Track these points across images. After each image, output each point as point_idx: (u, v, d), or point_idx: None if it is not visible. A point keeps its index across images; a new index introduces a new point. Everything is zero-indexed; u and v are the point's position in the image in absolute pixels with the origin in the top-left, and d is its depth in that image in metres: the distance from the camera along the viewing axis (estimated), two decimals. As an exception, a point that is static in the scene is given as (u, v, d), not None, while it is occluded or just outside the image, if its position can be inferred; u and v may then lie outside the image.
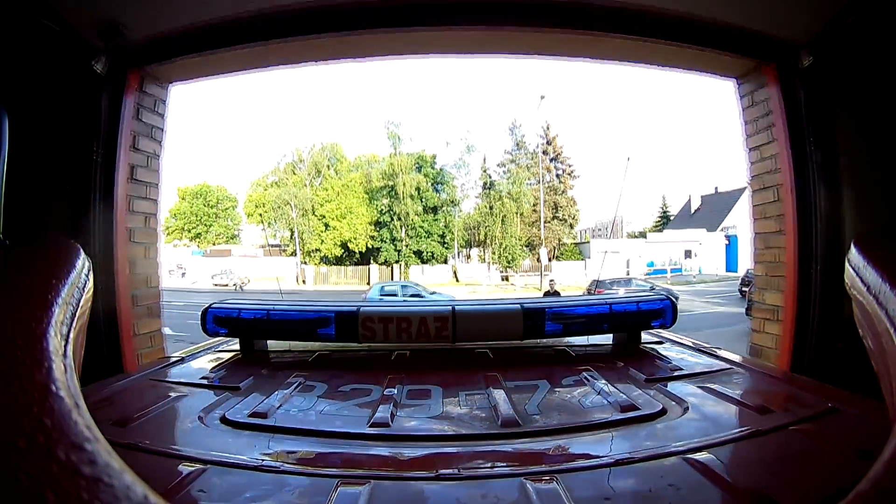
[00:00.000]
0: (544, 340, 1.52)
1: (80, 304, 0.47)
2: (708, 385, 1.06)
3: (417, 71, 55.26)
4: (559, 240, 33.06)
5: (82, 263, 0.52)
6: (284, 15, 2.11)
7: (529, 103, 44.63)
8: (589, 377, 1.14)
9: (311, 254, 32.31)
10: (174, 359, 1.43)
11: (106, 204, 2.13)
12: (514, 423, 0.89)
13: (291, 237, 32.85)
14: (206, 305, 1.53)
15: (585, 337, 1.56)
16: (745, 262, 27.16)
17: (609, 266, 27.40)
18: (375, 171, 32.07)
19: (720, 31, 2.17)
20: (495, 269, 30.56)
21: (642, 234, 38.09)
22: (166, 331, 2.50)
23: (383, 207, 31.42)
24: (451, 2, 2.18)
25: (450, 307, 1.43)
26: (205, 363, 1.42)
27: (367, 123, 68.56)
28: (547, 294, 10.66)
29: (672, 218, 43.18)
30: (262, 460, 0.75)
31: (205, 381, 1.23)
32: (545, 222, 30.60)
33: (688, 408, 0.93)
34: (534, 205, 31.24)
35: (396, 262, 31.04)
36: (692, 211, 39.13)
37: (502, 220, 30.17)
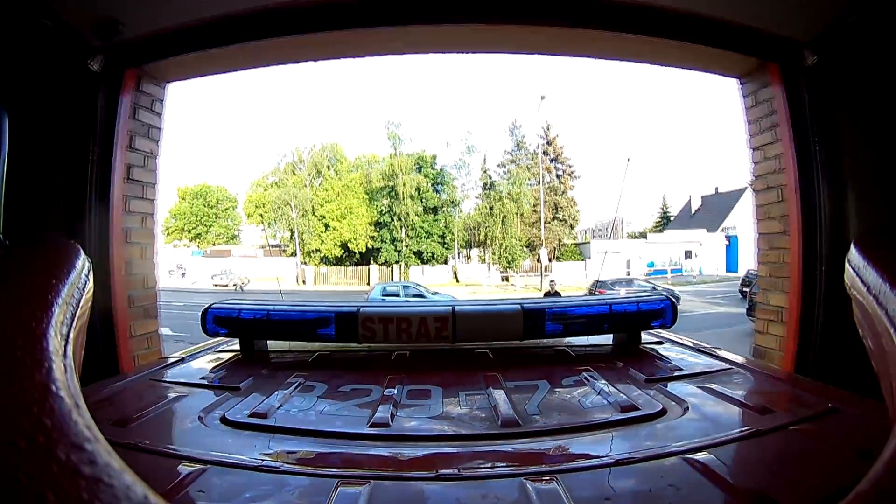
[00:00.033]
0: (544, 341, 1.52)
1: (80, 305, 0.47)
2: (708, 385, 1.06)
3: (418, 71, 55.40)
4: (559, 240, 33.06)
5: (82, 264, 0.52)
6: (282, 11, 2.10)
7: (530, 103, 44.79)
8: (589, 377, 1.14)
9: (311, 254, 32.31)
10: (174, 359, 1.43)
11: (102, 204, 2.11)
12: (514, 423, 0.89)
13: (291, 237, 32.86)
14: (206, 306, 1.53)
15: (585, 337, 1.56)
16: (746, 263, 27.16)
17: (609, 266, 27.39)
18: (375, 171, 32.07)
19: (723, 29, 2.15)
20: (495, 269, 30.56)
21: (643, 235, 38.09)
22: (166, 331, 2.50)
23: (383, 208, 31.42)
24: (451, -2, 2.15)
25: (450, 307, 1.43)
26: (205, 363, 1.42)
27: (368, 123, 68.67)
28: (547, 294, 10.66)
29: (672, 218, 43.20)
30: (262, 460, 0.75)
31: (205, 382, 1.23)
32: (545, 223, 30.60)
33: (688, 408, 0.93)
34: (534, 205, 31.25)
35: (396, 262, 31.03)
36: (692, 211, 39.14)
37: (502, 221, 30.16)
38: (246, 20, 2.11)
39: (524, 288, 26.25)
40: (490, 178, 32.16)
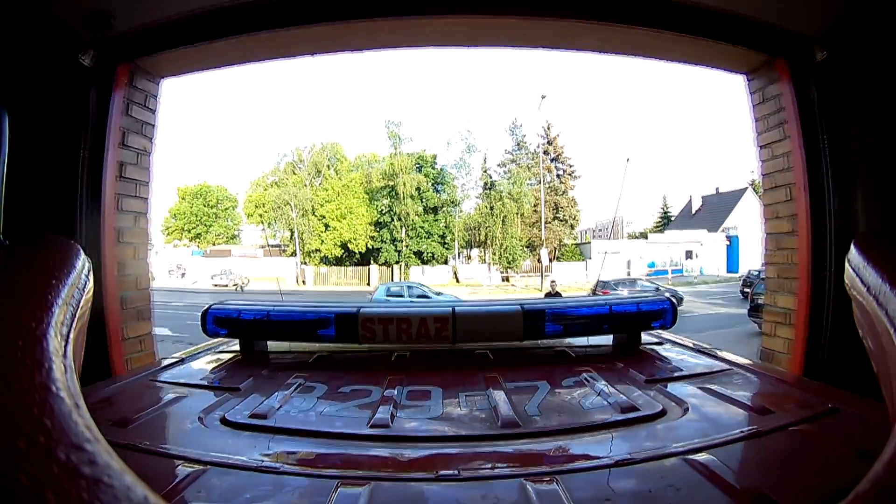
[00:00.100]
0: (544, 341, 1.52)
1: (80, 305, 0.47)
2: (708, 386, 1.06)
3: (418, 70, 55.41)
4: (560, 240, 33.07)
5: (82, 264, 0.52)
6: (277, 3, 2.05)
7: (530, 103, 44.84)
8: (589, 378, 1.14)
9: (311, 254, 32.32)
10: (174, 359, 1.43)
11: (93, 203, 2.05)
12: (515, 423, 0.89)
13: (291, 237, 32.87)
14: (207, 306, 1.53)
15: (585, 338, 1.56)
16: (747, 263, 27.23)
17: (610, 267, 27.38)
18: (376, 171, 32.07)
19: (730, 22, 2.10)
20: (496, 269, 30.57)
21: (643, 235, 38.09)
22: (165, 331, 2.47)
23: (383, 208, 31.43)
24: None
25: (450, 308, 1.43)
26: (205, 364, 1.42)
27: (368, 123, 68.75)
28: (548, 295, 10.66)
29: (673, 218, 43.20)
30: (262, 461, 0.75)
31: (205, 382, 1.23)
32: (546, 223, 30.61)
33: (688, 408, 0.94)
34: (534, 205, 31.26)
35: (396, 262, 31.04)
36: (693, 211, 39.14)
37: (503, 221, 30.17)
38: (240, 12, 2.06)
39: (524, 288, 26.24)
40: (490, 177, 32.19)
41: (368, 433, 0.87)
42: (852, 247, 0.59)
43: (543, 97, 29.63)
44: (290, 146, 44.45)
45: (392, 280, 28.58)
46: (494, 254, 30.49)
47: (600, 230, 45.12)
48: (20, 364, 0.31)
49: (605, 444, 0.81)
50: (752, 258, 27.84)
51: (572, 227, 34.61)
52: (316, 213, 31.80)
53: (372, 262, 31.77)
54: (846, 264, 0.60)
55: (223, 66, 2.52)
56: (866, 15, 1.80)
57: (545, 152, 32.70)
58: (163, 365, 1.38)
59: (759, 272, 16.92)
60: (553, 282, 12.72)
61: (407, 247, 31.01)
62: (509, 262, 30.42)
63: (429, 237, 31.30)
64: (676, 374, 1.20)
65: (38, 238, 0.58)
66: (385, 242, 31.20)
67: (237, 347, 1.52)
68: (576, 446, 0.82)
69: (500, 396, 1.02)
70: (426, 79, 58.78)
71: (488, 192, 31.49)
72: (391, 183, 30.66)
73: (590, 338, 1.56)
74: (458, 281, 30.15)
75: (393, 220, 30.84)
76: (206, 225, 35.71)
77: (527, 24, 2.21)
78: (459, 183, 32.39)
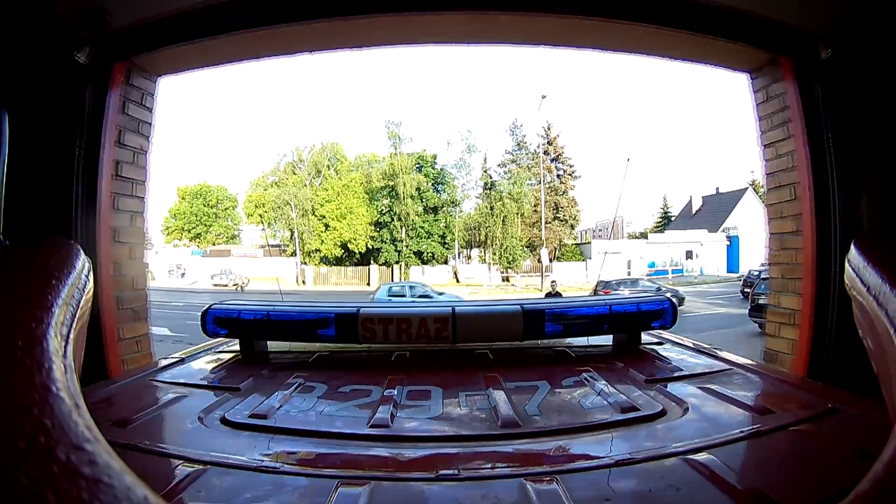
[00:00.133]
0: (544, 341, 1.52)
1: (81, 305, 0.47)
2: (708, 386, 1.06)
3: (418, 70, 55.36)
4: (560, 240, 33.06)
5: (82, 264, 0.52)
6: None
7: (531, 103, 44.81)
8: (589, 378, 1.14)
9: (311, 254, 32.32)
10: (174, 359, 1.43)
11: (89, 202, 2.02)
12: (515, 423, 0.89)
13: (291, 237, 32.87)
14: (207, 306, 1.53)
15: (585, 338, 1.56)
16: (747, 263, 27.22)
17: (610, 267, 27.38)
18: (376, 170, 32.06)
19: (733, 19, 2.08)
20: (496, 269, 30.57)
21: (643, 235, 38.07)
22: (164, 331, 2.46)
23: (383, 208, 31.42)
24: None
25: (450, 308, 1.43)
26: (205, 364, 1.42)
27: (368, 123, 68.74)
28: (549, 295, 10.66)
29: (673, 218, 43.19)
30: (262, 461, 0.75)
31: (205, 382, 1.23)
32: (546, 223, 30.61)
33: (688, 408, 0.94)
34: (535, 205, 31.26)
35: (397, 262, 31.03)
36: (693, 211, 39.14)
37: (503, 221, 30.16)
38: (238, 8, 2.04)
39: (525, 288, 26.25)
40: (490, 177, 32.19)
41: (368, 433, 0.87)
42: (852, 247, 0.59)
43: (544, 97, 29.70)
44: (290, 146, 44.50)
45: (392, 280, 28.56)
46: (494, 254, 30.49)
47: (600, 230, 45.10)
48: (20, 364, 0.31)
49: (605, 444, 0.81)
50: (753, 258, 27.85)
51: (572, 227, 34.60)
52: (316, 213, 31.79)
53: (372, 262, 31.77)
54: (846, 264, 0.60)
55: (221, 64, 2.50)
56: (871, 12, 1.78)
57: (545, 152, 32.70)
58: (163, 365, 1.38)
59: (760, 272, 16.94)
60: (553, 282, 12.73)
61: (407, 247, 31.00)
62: (509, 262, 30.42)
63: (429, 237, 31.29)
64: (676, 374, 1.20)
65: (38, 238, 0.58)
66: (385, 242, 31.19)
67: (237, 347, 1.52)
68: (576, 446, 0.82)
69: (500, 396, 1.02)
70: (426, 79, 58.77)
71: (488, 192, 31.49)
72: (391, 183, 30.65)
73: (590, 338, 1.56)
74: (458, 281, 30.15)
75: (393, 220, 30.83)
76: (206, 225, 35.71)
77: (528, 21, 2.19)
78: (459, 183, 32.42)
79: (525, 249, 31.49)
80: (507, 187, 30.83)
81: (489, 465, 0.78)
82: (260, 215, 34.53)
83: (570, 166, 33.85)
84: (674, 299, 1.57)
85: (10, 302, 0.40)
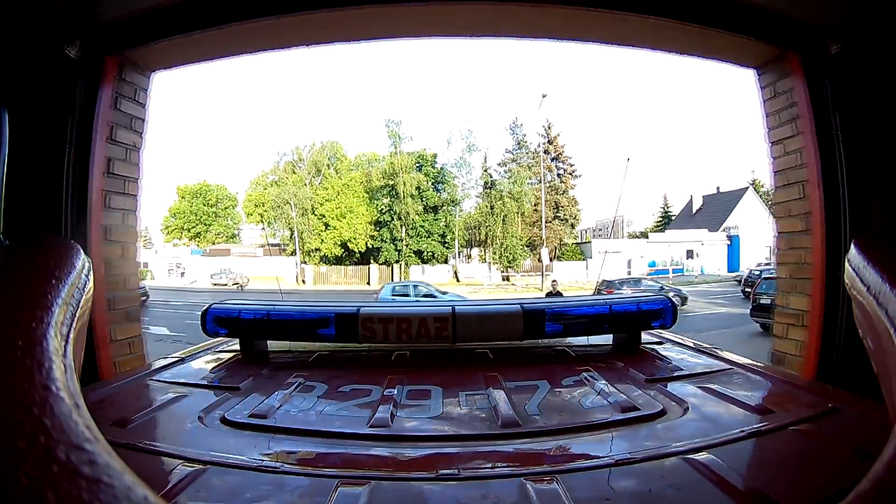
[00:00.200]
0: (544, 341, 1.52)
1: (80, 305, 0.47)
2: (708, 385, 1.06)
3: (419, 69, 55.39)
4: (560, 240, 33.07)
5: (82, 264, 0.52)
6: None
7: (531, 102, 44.77)
8: (589, 377, 1.14)
9: (311, 253, 32.33)
10: (174, 359, 1.43)
11: (79, 200, 1.96)
12: (515, 423, 0.89)
13: (291, 237, 32.88)
14: (207, 306, 1.53)
15: (585, 337, 1.56)
16: (747, 263, 27.23)
17: (610, 266, 27.37)
18: (376, 170, 32.07)
19: (741, 12, 2.03)
20: (496, 269, 30.57)
21: (644, 234, 38.09)
22: (163, 331, 2.44)
23: (383, 207, 31.42)
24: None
25: (450, 307, 1.43)
26: (204, 363, 1.42)
27: (368, 121, 68.76)
28: (549, 295, 10.66)
29: (674, 218, 43.17)
30: (262, 461, 0.76)
31: (205, 382, 1.23)
32: (546, 222, 30.60)
33: (688, 408, 0.94)
34: (535, 204, 31.26)
35: (397, 261, 31.04)
36: (694, 211, 39.13)
37: (503, 220, 30.17)
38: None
39: (525, 288, 26.24)
40: (491, 176, 32.19)
41: (368, 433, 0.87)
42: (852, 247, 0.59)
43: (544, 96, 29.69)
44: (289, 145, 44.58)
45: (392, 279, 28.59)
46: (495, 253, 30.49)
47: (601, 229, 45.09)
48: (20, 364, 0.31)
49: (605, 444, 0.81)
50: (753, 257, 27.84)
51: (573, 226, 34.62)
52: (316, 213, 31.80)
53: (372, 261, 31.78)
54: (846, 264, 0.60)
55: (216, 58, 2.44)
56: (882, 6, 1.74)
57: (546, 151, 32.70)
58: (162, 364, 1.38)
59: (760, 271, 16.93)
60: (554, 281, 12.73)
61: (407, 246, 31.00)
62: (510, 262, 30.42)
63: (429, 236, 31.30)
64: (676, 374, 1.20)
65: (37, 238, 0.58)
66: (385, 241, 31.20)
67: (237, 347, 1.52)
68: (576, 446, 0.82)
69: (500, 396, 1.02)
70: (427, 78, 58.77)
71: (489, 191, 31.49)
72: (391, 182, 30.64)
73: (590, 337, 1.56)
74: (458, 280, 30.16)
75: (393, 219, 30.83)
76: (205, 224, 35.73)
77: (533, 13, 2.13)
78: (460, 182, 32.44)
79: (525, 249, 31.50)
80: (508, 186, 30.82)
81: (489, 465, 0.78)
82: (260, 214, 34.56)
83: (571, 165, 33.88)
84: (676, 299, 1.56)
85: (11, 302, 0.40)
